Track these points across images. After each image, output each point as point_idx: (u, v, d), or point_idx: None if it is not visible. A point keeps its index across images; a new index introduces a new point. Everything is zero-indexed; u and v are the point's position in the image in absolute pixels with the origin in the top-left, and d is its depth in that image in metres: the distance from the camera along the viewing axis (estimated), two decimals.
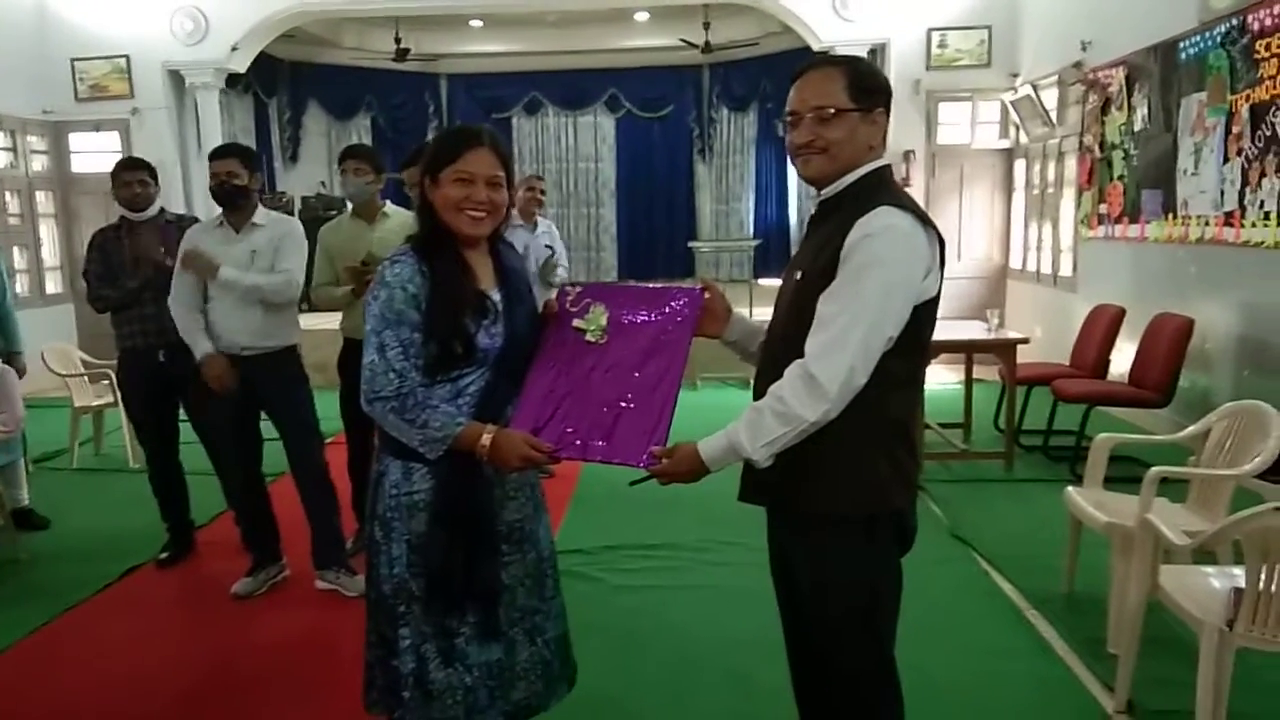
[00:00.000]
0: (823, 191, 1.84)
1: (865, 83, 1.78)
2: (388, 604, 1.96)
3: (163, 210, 4.10)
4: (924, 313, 1.75)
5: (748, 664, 3.03)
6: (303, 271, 3.64)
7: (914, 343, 1.75)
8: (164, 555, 4.09)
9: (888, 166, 1.84)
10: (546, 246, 5.20)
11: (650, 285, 2.08)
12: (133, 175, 3.99)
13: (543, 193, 5.30)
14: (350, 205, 4.08)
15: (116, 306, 3.94)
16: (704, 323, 1.99)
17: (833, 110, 1.75)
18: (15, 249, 8.49)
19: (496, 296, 1.96)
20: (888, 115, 1.82)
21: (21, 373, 4.64)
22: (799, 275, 1.83)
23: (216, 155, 3.59)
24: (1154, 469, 2.96)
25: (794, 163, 1.85)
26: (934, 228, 1.76)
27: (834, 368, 1.65)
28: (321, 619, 3.53)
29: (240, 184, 3.53)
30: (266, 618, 3.57)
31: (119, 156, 8.89)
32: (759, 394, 1.79)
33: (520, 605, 2.05)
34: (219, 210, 3.61)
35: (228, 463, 3.82)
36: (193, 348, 3.54)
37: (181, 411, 4.05)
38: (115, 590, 3.87)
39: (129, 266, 3.88)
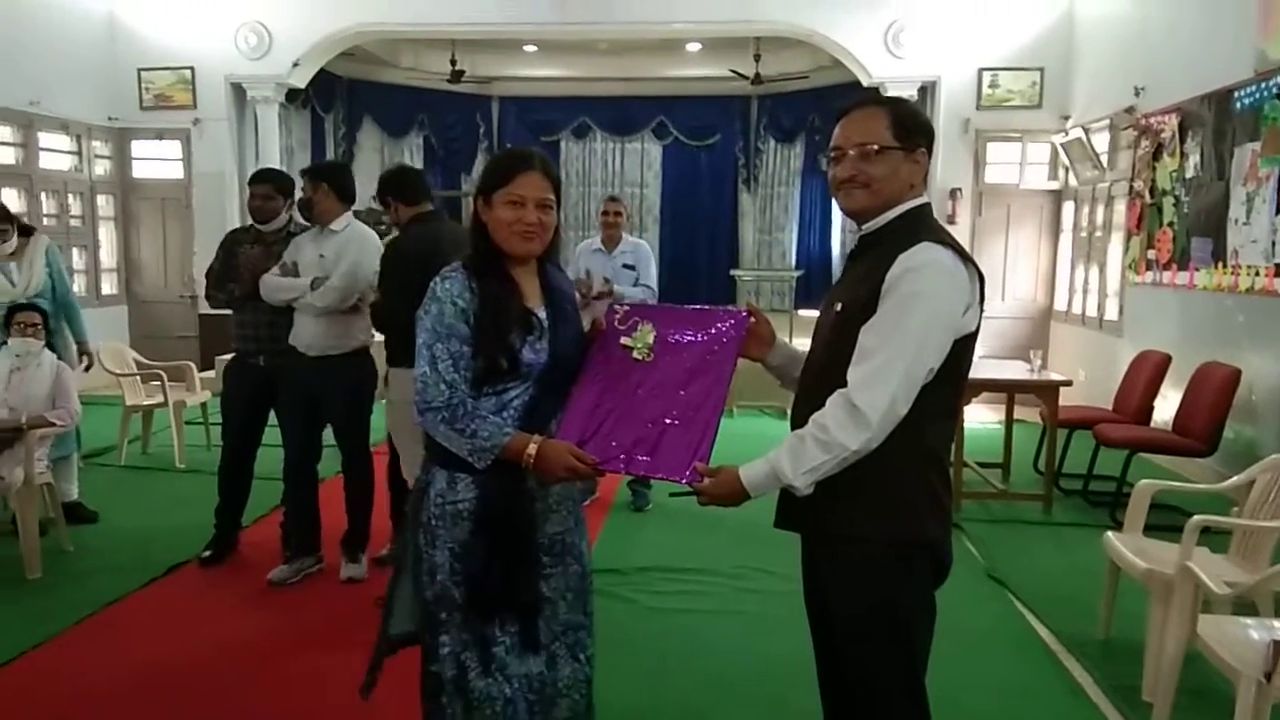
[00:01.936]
0: (864, 227, 1.88)
1: (909, 123, 1.83)
2: (429, 610, 2.00)
3: (291, 220, 4.20)
4: (963, 347, 1.78)
5: (779, 688, 3.04)
6: (350, 281, 3.77)
7: (952, 375, 1.79)
8: (207, 554, 4.18)
9: (928, 204, 1.88)
10: (625, 267, 5.03)
11: (697, 307, 2.11)
12: (258, 188, 4.13)
13: (617, 214, 5.10)
14: None
15: (223, 308, 4.13)
16: (748, 345, 2.02)
17: (876, 147, 1.80)
18: (75, 250, 8.73)
19: (542, 314, 2.01)
20: (929, 156, 1.87)
21: (92, 361, 4.78)
22: (838, 307, 1.86)
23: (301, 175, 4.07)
24: (1196, 517, 2.93)
25: (835, 197, 1.90)
26: (974, 264, 1.80)
27: (876, 398, 1.68)
28: (352, 611, 3.58)
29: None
30: (305, 613, 3.65)
31: (179, 164, 9.24)
32: (797, 423, 1.83)
33: (563, 619, 2.07)
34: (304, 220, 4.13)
35: (286, 452, 3.99)
36: (291, 289, 3.81)
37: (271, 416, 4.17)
38: (158, 585, 3.96)
39: (238, 274, 3.99)
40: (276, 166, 7.88)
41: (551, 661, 2.05)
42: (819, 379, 1.83)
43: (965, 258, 1.78)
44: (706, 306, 2.11)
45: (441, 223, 3.82)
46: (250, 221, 4.19)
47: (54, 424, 4.19)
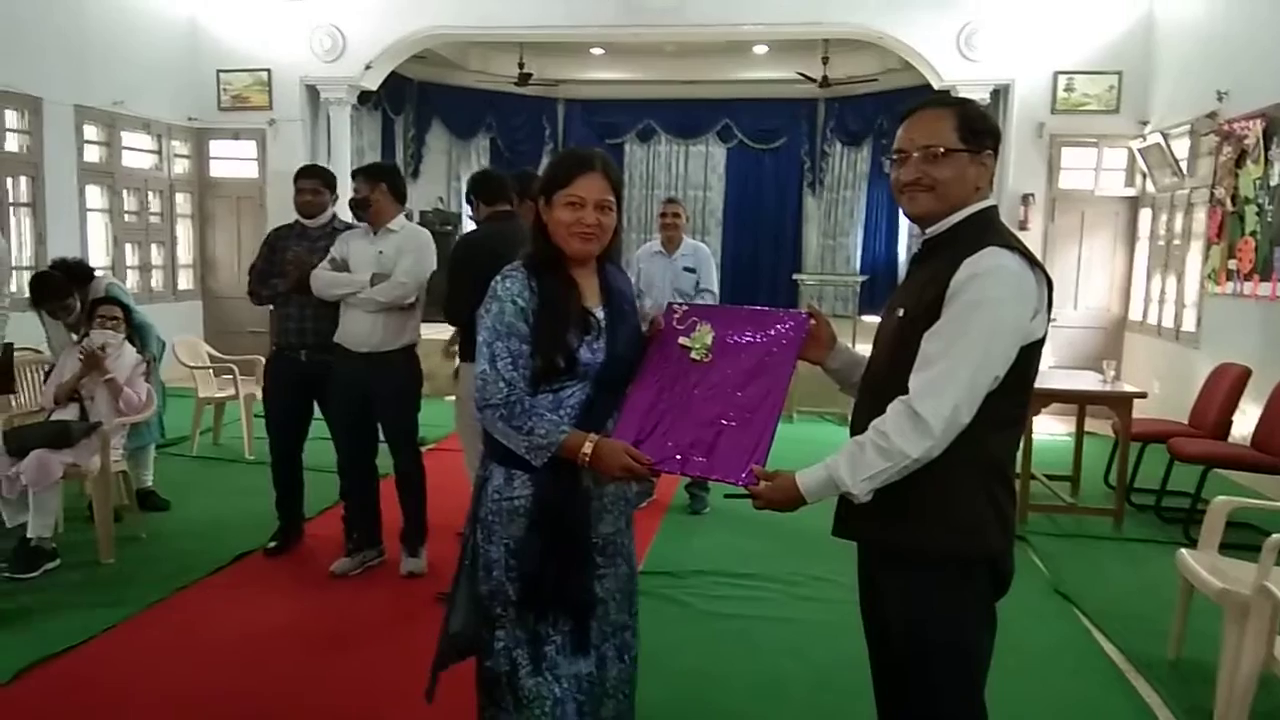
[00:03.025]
0: (928, 230, 1.84)
1: (975, 124, 1.79)
2: (484, 605, 2.02)
3: (334, 217, 4.29)
4: (1029, 354, 1.74)
5: (834, 698, 3.00)
6: (416, 278, 3.88)
7: (1018, 383, 1.74)
8: (272, 544, 4.28)
9: (994, 207, 1.84)
10: (686, 269, 5.05)
11: (756, 308, 2.09)
12: (305, 183, 4.23)
13: (675, 215, 5.14)
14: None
15: (266, 303, 4.21)
16: (808, 348, 2.00)
17: (942, 150, 1.76)
18: (154, 245, 9.03)
19: (600, 314, 2.01)
20: (995, 158, 1.82)
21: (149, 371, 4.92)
22: (901, 313, 1.82)
23: (353, 175, 4.11)
24: (1275, 536, 2.82)
25: (899, 200, 1.86)
26: (1042, 269, 1.75)
27: (939, 405, 1.64)
28: (412, 604, 3.63)
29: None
30: (365, 604, 3.70)
31: (255, 164, 9.47)
32: (857, 429, 1.79)
33: (613, 620, 2.08)
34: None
35: (339, 450, 4.06)
36: (349, 284, 3.84)
37: (315, 409, 4.24)
38: (225, 573, 4.06)
39: (282, 269, 4.07)
40: (343, 166, 8.06)
41: (601, 662, 2.06)
42: (880, 385, 1.80)
43: (1033, 262, 1.73)
44: (766, 308, 2.09)
45: (515, 221, 3.89)
46: (296, 218, 4.26)
47: (132, 397, 4.33)
